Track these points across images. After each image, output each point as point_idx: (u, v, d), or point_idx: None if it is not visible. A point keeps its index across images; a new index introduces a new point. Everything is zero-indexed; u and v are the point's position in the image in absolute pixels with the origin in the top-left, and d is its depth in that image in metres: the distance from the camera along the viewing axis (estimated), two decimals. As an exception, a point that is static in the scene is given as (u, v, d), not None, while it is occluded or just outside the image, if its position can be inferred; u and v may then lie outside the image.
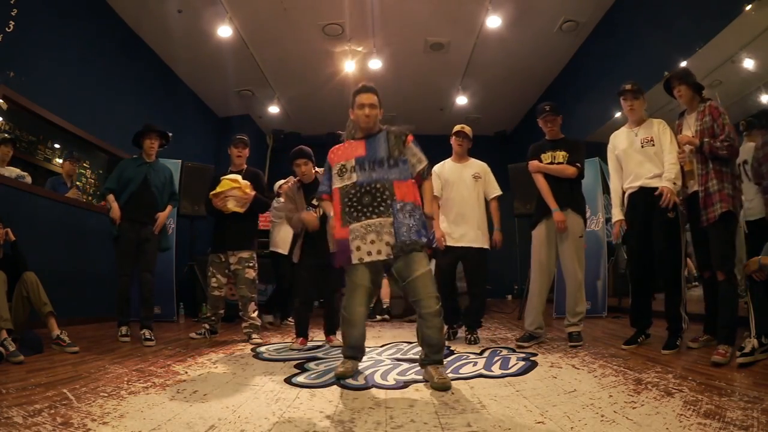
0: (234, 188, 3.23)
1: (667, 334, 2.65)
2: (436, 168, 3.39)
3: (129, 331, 3.27)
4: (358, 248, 2.11)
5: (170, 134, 3.63)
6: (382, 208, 2.09)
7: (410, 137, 2.26)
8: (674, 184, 2.60)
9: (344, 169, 2.20)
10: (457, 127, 3.42)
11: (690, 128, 2.61)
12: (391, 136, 2.21)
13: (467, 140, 3.40)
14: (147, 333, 3.16)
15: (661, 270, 2.73)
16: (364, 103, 2.21)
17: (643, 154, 2.76)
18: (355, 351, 2.30)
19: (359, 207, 2.12)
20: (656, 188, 2.65)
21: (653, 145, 2.74)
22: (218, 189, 3.24)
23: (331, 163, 2.29)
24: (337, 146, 2.33)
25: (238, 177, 3.31)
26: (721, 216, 2.40)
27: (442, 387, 1.93)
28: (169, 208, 3.54)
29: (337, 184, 2.22)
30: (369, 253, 2.09)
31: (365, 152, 2.19)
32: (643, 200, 2.74)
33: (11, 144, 4.01)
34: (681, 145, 2.58)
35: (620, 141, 2.91)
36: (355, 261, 2.12)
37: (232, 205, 3.23)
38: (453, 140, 3.41)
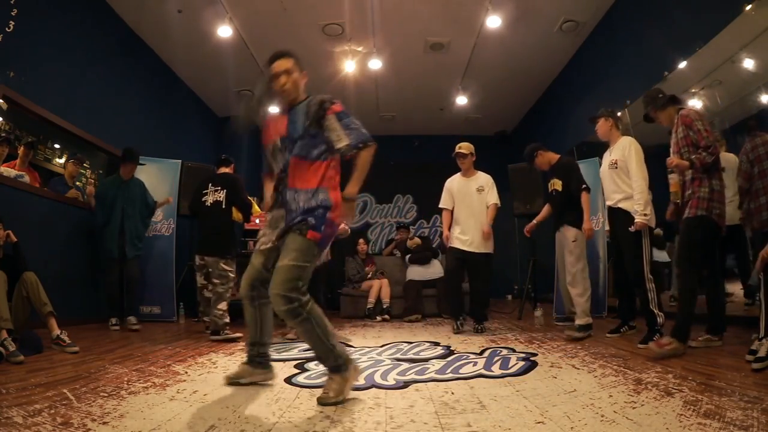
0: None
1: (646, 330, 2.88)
2: (447, 183, 3.90)
3: (119, 321, 3.84)
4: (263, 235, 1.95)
5: (142, 163, 4.33)
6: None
7: (335, 107, 1.87)
8: (645, 215, 2.90)
9: (275, 150, 1.93)
10: (456, 149, 3.80)
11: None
12: (312, 107, 1.88)
13: (468, 157, 3.77)
14: (134, 319, 3.87)
15: (629, 274, 3.11)
16: (278, 72, 1.91)
17: (610, 176, 3.14)
18: (252, 349, 1.98)
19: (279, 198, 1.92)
20: (621, 209, 3.05)
21: (617, 167, 3.08)
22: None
23: (264, 143, 2.00)
24: (269, 118, 2.05)
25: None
26: (687, 220, 2.55)
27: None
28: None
29: (275, 168, 1.95)
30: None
31: (286, 131, 1.90)
32: (613, 218, 3.16)
33: (6, 143, 4.02)
34: (669, 167, 2.65)
35: (603, 161, 3.28)
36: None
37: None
38: (457, 160, 3.83)
